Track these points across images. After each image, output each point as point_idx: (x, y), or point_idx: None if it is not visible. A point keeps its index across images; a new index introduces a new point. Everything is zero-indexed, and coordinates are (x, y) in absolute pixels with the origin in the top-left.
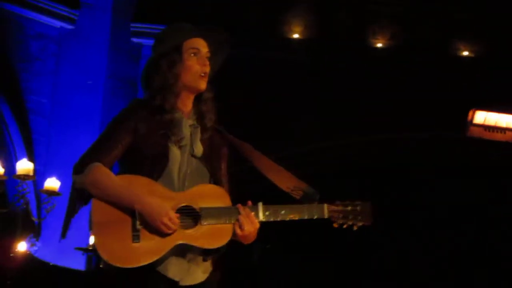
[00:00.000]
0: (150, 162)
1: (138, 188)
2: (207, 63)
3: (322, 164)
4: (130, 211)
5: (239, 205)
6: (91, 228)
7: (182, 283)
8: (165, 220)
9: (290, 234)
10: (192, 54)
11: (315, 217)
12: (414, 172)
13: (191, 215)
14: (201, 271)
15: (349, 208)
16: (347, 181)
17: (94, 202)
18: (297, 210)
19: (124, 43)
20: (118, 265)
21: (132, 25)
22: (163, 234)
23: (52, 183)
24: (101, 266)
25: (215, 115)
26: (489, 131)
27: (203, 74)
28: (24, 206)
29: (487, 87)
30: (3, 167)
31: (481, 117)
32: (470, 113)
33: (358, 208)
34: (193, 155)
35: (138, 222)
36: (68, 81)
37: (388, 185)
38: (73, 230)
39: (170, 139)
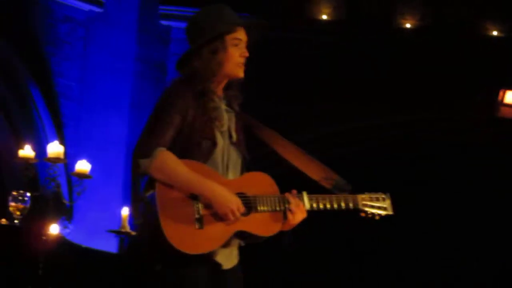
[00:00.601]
0: (197, 147)
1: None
2: (247, 52)
3: (347, 145)
4: (192, 197)
5: (287, 194)
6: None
7: (224, 267)
8: (235, 207)
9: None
10: (234, 44)
11: (352, 207)
12: (442, 153)
13: (244, 203)
14: (235, 256)
15: (375, 198)
16: (367, 164)
17: (158, 187)
18: (336, 200)
19: (152, 26)
20: (186, 251)
21: (160, 7)
22: (225, 221)
23: (82, 166)
24: (137, 246)
25: (241, 100)
26: None
27: (241, 63)
28: (55, 189)
29: None
30: (34, 150)
31: None
32: (501, 93)
33: (381, 198)
34: (230, 140)
35: (202, 208)
36: (96, 65)
37: (413, 169)
38: (105, 213)
39: (214, 124)
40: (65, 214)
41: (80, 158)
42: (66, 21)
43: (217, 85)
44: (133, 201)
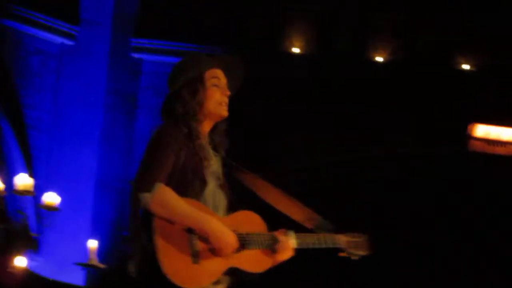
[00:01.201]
0: (190, 187)
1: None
2: (228, 92)
3: (321, 180)
4: (189, 231)
5: (276, 232)
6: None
7: None
8: (230, 241)
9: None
10: (214, 85)
11: (336, 246)
12: (414, 187)
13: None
14: None
15: (353, 239)
16: (346, 197)
17: (156, 222)
18: (321, 240)
19: (124, 59)
20: (182, 285)
21: (132, 40)
22: (219, 256)
23: (51, 198)
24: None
25: (226, 146)
26: (490, 145)
27: (224, 103)
28: (23, 222)
29: (488, 101)
30: (3, 182)
31: (482, 131)
32: (471, 127)
33: (359, 239)
34: (218, 182)
35: (198, 242)
36: (68, 97)
37: (389, 201)
38: (73, 245)
39: (203, 165)
40: (32, 247)
41: (49, 190)
42: (37, 53)
43: (201, 126)
44: (133, 234)
